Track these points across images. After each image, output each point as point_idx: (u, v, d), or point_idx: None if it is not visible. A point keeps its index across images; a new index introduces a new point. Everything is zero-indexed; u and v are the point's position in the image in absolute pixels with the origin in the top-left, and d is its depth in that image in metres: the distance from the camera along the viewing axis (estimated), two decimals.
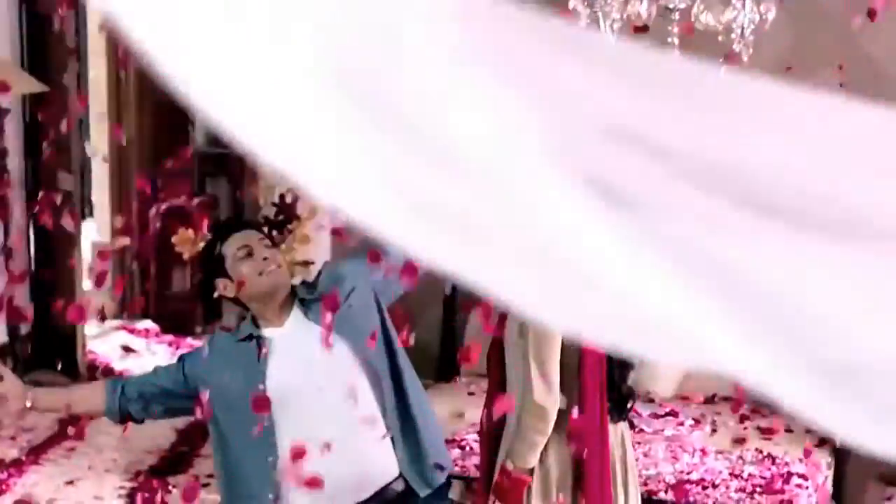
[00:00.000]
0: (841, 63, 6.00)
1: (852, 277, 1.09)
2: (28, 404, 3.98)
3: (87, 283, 8.93)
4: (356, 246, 3.81)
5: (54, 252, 7.99)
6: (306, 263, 7.12)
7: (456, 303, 6.99)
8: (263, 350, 3.93)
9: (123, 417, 4.08)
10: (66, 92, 7.91)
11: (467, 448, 5.40)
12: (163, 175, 9.46)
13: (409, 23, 1.02)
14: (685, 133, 1.09)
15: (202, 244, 6.87)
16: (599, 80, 1.07)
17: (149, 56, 1.05)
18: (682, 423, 5.64)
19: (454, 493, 4.95)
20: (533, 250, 1.07)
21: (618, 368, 3.64)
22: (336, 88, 1.03)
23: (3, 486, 6.16)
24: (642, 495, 3.92)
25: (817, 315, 1.09)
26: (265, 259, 3.91)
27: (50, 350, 7.97)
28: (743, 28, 4.02)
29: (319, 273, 4.18)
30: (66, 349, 8.09)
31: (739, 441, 5.41)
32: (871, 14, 3.91)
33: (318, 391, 3.89)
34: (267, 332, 3.98)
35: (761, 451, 5.30)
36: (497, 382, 3.69)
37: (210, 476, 6.41)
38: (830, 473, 5.19)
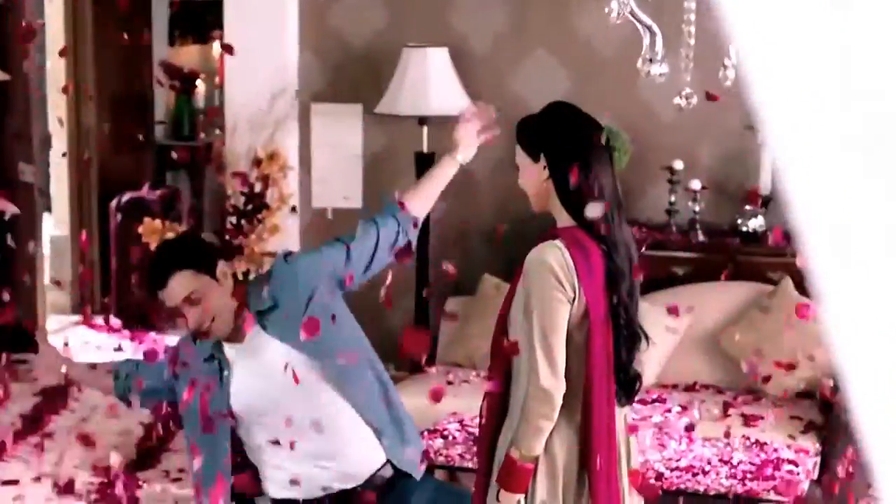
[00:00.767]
0: None
1: None
2: (63, 370, 4.32)
3: (46, 278, 8.77)
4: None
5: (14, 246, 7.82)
6: (274, 255, 6.98)
7: (426, 278, 6.89)
8: (225, 372, 3.93)
9: (128, 403, 4.15)
10: (26, 81, 7.76)
11: (449, 437, 5.30)
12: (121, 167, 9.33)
13: None
14: None
15: (169, 234, 6.78)
16: None
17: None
18: (669, 410, 5.58)
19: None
20: None
21: (625, 349, 3.55)
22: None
23: None
24: None
25: None
26: (193, 324, 3.91)
27: (7, 346, 7.78)
28: None
29: (270, 270, 4.11)
30: (24, 345, 7.90)
31: (726, 429, 5.35)
32: None
33: (285, 405, 3.96)
34: (227, 349, 3.94)
35: (748, 438, 5.24)
36: (501, 368, 3.59)
37: (181, 471, 6.29)
38: (818, 460, 5.12)
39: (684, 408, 5.61)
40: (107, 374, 4.34)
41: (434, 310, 6.89)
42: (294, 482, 4.00)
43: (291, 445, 3.90)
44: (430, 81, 6.67)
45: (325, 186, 7.16)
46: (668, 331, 5.90)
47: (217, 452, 4.02)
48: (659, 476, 4.73)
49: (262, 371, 3.96)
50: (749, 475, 4.85)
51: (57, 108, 9.05)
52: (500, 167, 7.04)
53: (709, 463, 4.98)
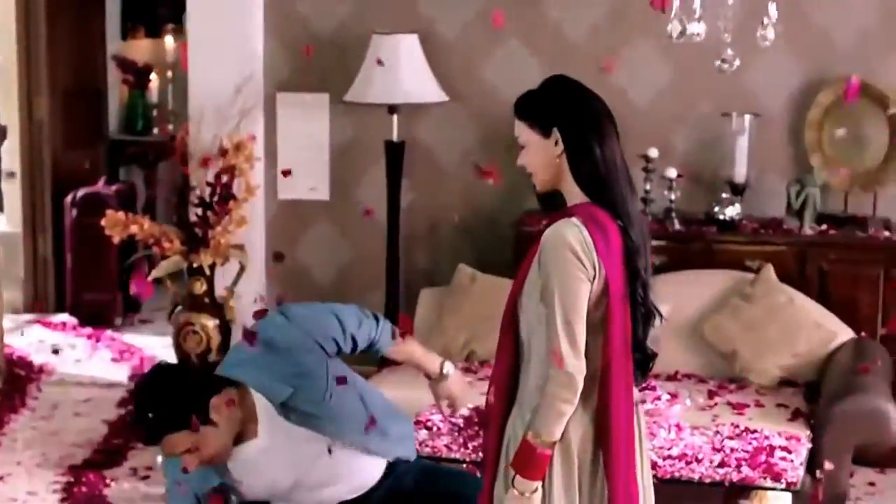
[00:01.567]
0: None
1: None
2: None
3: None
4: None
5: None
6: (241, 248, 6.83)
7: (398, 286, 6.76)
8: (233, 498, 3.95)
9: None
10: None
11: (434, 428, 5.18)
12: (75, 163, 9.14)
13: None
14: None
15: (134, 226, 6.60)
16: None
17: None
18: (658, 398, 5.48)
19: None
20: None
21: (641, 326, 3.44)
22: None
23: None
24: None
25: None
26: (197, 463, 3.77)
27: None
28: None
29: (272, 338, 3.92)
30: None
31: (714, 418, 5.27)
32: None
33: (304, 475, 3.93)
34: (243, 449, 3.84)
35: (737, 426, 5.16)
36: (511, 350, 3.47)
37: (149, 468, 6.13)
38: (810, 446, 5.04)
39: (673, 395, 5.52)
40: None
41: (406, 302, 6.77)
42: None
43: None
44: (401, 68, 6.54)
45: (291, 178, 7.00)
46: None
47: None
48: (653, 465, 4.61)
49: (284, 459, 3.90)
50: (743, 462, 4.76)
51: (8, 103, 8.83)
52: (468, 159, 6.93)
53: (700, 451, 4.89)
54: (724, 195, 6.45)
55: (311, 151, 7.09)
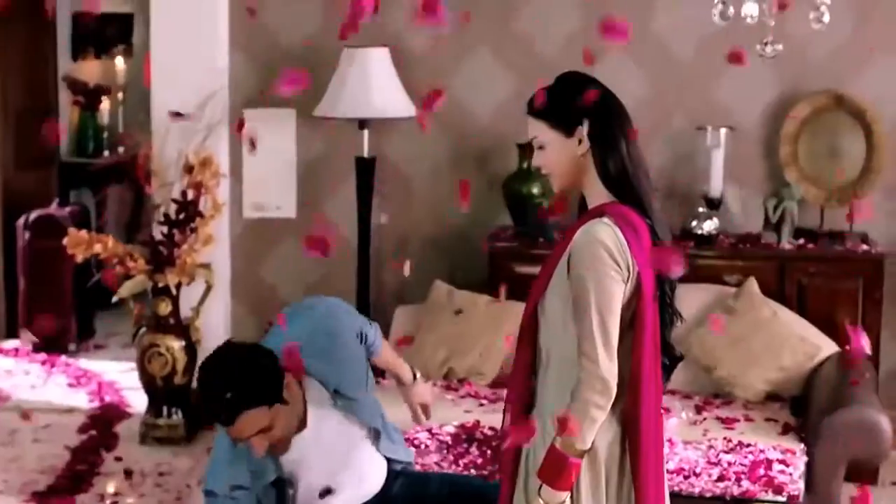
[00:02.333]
0: None
1: None
2: None
3: None
4: None
5: None
6: (207, 266, 6.67)
7: (369, 305, 6.62)
8: (290, 491, 3.81)
9: None
10: None
11: (421, 446, 5.05)
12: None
13: None
14: None
15: (97, 245, 6.42)
16: None
17: None
18: None
19: None
20: None
21: (668, 329, 3.34)
22: None
23: None
24: None
25: None
26: (263, 453, 3.67)
27: None
28: None
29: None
30: None
31: (704, 432, 5.18)
32: None
33: (343, 462, 3.86)
34: (295, 440, 3.77)
35: (730, 440, 5.07)
36: (529, 355, 3.35)
37: (117, 494, 5.94)
38: (806, 459, 4.96)
39: (666, 410, 5.42)
40: None
41: (377, 321, 6.61)
42: None
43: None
44: (372, 82, 6.42)
45: (256, 195, 6.86)
46: None
47: None
48: None
49: (330, 453, 3.82)
50: (743, 476, 4.67)
51: None
52: (438, 174, 6.83)
53: (696, 465, 4.80)
54: (700, 209, 6.39)
55: (278, 168, 6.94)
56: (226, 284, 6.93)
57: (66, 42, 10.05)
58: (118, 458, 6.48)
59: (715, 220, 6.33)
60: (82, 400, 7.45)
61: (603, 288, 3.14)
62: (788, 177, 6.40)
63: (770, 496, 4.58)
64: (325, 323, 3.83)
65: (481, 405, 5.62)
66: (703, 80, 6.56)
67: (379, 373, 4.26)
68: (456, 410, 5.50)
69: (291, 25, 6.90)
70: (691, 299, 6.02)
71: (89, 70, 10.28)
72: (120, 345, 8.51)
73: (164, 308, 6.64)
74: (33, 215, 8.44)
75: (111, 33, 10.36)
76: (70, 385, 7.77)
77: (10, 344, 8.54)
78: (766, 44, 3.88)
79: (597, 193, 3.28)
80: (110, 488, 6.06)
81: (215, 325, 6.89)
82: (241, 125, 6.27)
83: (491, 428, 5.22)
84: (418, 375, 4.15)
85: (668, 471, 4.72)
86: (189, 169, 6.57)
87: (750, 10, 3.66)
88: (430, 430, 5.17)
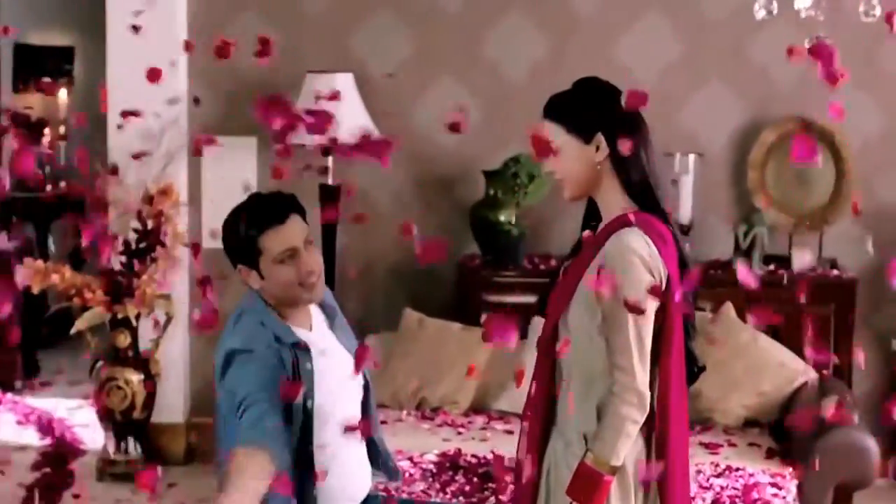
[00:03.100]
0: None
1: None
2: None
3: None
4: None
5: None
6: (167, 297, 6.51)
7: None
8: (308, 365, 3.59)
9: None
10: None
11: (406, 474, 4.91)
12: None
13: None
14: None
15: (54, 276, 6.25)
16: None
17: None
18: None
19: None
20: None
21: (690, 338, 3.26)
22: None
23: None
24: None
25: None
26: (309, 271, 3.61)
27: None
28: None
29: None
30: None
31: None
32: None
33: (342, 409, 3.66)
34: (299, 334, 3.64)
35: (717, 465, 5.00)
36: (549, 369, 3.25)
37: None
38: (797, 482, 4.90)
39: None
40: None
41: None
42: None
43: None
44: (338, 108, 6.29)
45: (217, 224, 6.69)
46: None
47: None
48: None
49: (333, 372, 3.65)
50: (738, 500, 4.60)
51: None
52: (402, 201, 6.73)
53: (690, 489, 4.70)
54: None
55: (238, 198, 6.76)
56: (184, 316, 6.76)
57: (8, 74, 9.85)
58: (76, 496, 6.27)
59: (687, 245, 6.26)
60: (32, 437, 7.22)
61: (642, 297, 3.05)
62: (757, 203, 6.37)
63: None
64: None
65: (459, 433, 5.51)
66: (669, 107, 6.52)
67: None
68: (434, 439, 5.38)
69: (250, 52, 6.75)
70: None
71: (31, 103, 10.08)
72: (66, 382, 8.29)
73: (123, 340, 6.47)
74: None
75: (52, 66, 10.19)
76: (19, 423, 7.54)
77: None
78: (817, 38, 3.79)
79: (614, 202, 3.21)
80: None
81: (174, 358, 6.72)
82: (198, 146, 6.13)
83: (473, 455, 5.12)
84: None
85: None
86: (149, 198, 6.42)
87: (802, 2, 3.59)
88: (411, 459, 5.05)
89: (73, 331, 6.45)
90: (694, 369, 3.30)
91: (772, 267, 6.24)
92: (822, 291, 6.12)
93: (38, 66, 10.12)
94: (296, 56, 6.69)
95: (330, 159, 6.42)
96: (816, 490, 4.96)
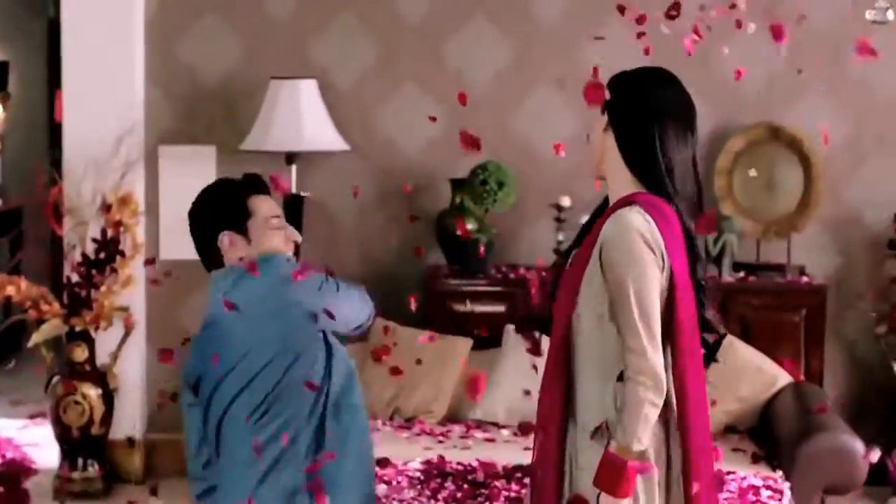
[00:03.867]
0: None
1: None
2: None
3: None
4: None
5: None
6: (126, 309, 6.34)
7: None
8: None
9: None
10: None
11: (393, 483, 4.81)
12: None
13: None
14: None
15: (10, 287, 6.06)
16: None
17: None
18: None
19: None
20: None
21: (705, 309, 3.19)
22: None
23: None
24: None
25: None
26: (296, 240, 3.65)
27: None
28: None
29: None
30: None
31: None
32: None
33: None
34: None
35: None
36: (561, 365, 3.16)
37: None
38: (789, 485, 4.85)
39: None
40: None
41: None
42: None
43: None
44: (303, 115, 6.19)
45: (175, 236, 6.56)
46: None
47: None
48: None
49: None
50: (735, 502, 4.53)
51: None
52: (366, 211, 6.62)
53: None
54: None
55: None
56: (141, 329, 6.58)
57: None
58: None
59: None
60: None
61: (641, 276, 3.02)
62: (725, 210, 6.34)
63: None
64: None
65: (440, 442, 5.43)
66: None
67: None
68: (415, 448, 5.28)
69: (210, 60, 6.64)
70: None
71: None
72: (8, 402, 8.07)
73: (80, 354, 6.29)
74: None
75: None
76: None
77: None
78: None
79: (622, 185, 3.20)
80: None
81: (131, 372, 6.54)
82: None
83: (459, 463, 5.03)
84: None
85: None
86: (107, 207, 6.25)
87: None
88: (395, 467, 4.94)
89: (30, 343, 6.25)
90: (710, 342, 3.22)
91: (741, 274, 6.21)
92: (793, 298, 6.11)
93: None
94: (256, 63, 6.57)
95: (293, 168, 6.29)
96: (805, 493, 4.92)
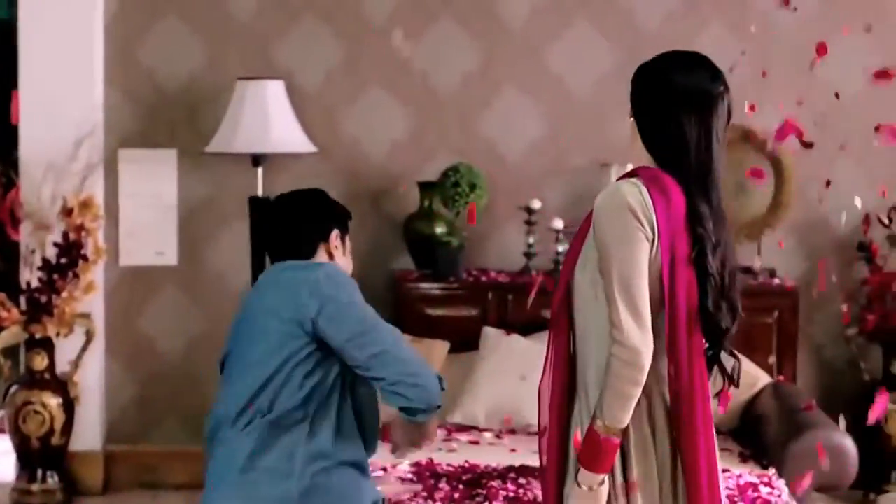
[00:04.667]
0: None
1: None
2: None
3: None
4: None
5: None
6: (87, 316, 6.17)
7: None
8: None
9: None
10: None
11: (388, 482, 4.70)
12: None
13: None
14: None
15: None
16: None
17: None
18: None
19: None
20: None
21: (710, 295, 3.07)
22: None
23: None
24: None
25: None
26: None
27: None
28: None
29: None
30: None
31: None
32: None
33: None
34: None
35: None
36: (565, 339, 3.09)
37: None
38: (784, 482, 4.82)
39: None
40: None
41: None
42: None
43: None
44: (270, 116, 6.08)
45: (134, 241, 6.42)
46: None
47: None
48: None
49: None
50: (736, 498, 4.50)
51: None
52: None
53: None
54: None
55: (158, 212, 6.49)
56: (100, 337, 6.41)
57: None
58: None
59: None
60: None
61: (625, 247, 2.93)
62: None
63: None
64: None
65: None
66: (603, 117, 6.44)
67: None
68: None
69: (171, 62, 6.50)
70: None
71: None
72: None
73: (40, 362, 6.12)
74: None
75: None
76: None
77: None
78: None
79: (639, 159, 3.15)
80: None
81: (90, 380, 6.37)
82: None
83: (448, 464, 4.94)
84: None
85: None
86: (68, 211, 6.09)
87: None
88: (384, 469, 4.84)
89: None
90: (718, 336, 3.12)
91: None
92: (765, 300, 6.10)
93: None
94: (218, 65, 6.45)
95: (260, 170, 6.17)
96: (797, 493, 4.88)
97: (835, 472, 4.97)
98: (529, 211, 6.26)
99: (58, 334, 6.08)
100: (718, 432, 5.34)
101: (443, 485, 4.71)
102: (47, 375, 6.14)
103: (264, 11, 6.46)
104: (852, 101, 6.40)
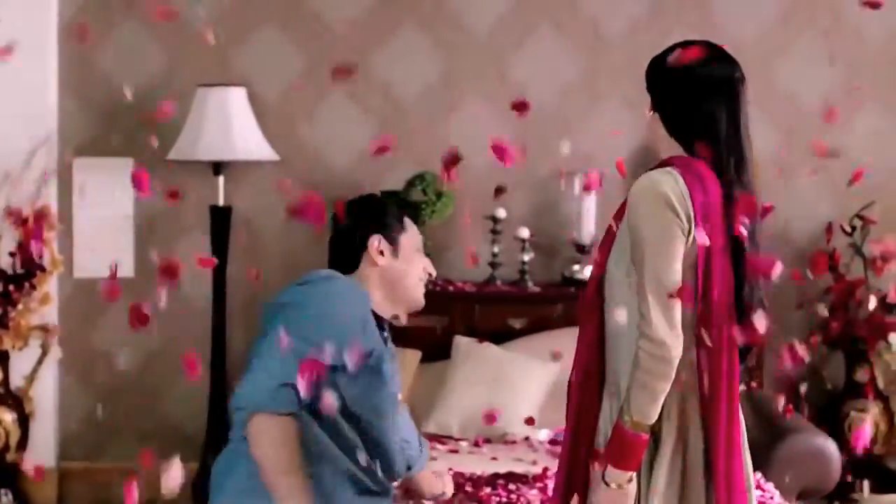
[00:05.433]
0: None
1: None
2: None
3: None
4: None
5: None
6: (44, 328, 6.00)
7: (224, 372, 6.12)
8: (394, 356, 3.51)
9: None
10: None
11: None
12: None
13: None
14: None
15: None
16: None
17: None
18: None
19: None
20: None
21: (748, 285, 3.03)
22: None
23: None
24: None
25: None
26: (430, 273, 3.60)
27: None
28: None
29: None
30: None
31: None
32: None
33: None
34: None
35: None
36: (595, 332, 3.03)
37: None
38: (772, 484, 4.79)
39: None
40: None
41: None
42: None
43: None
44: (232, 123, 5.97)
45: (89, 253, 6.26)
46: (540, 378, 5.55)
47: None
48: None
49: (394, 379, 3.49)
50: None
51: None
52: (291, 225, 6.40)
53: None
54: (576, 255, 6.22)
55: (113, 223, 6.34)
56: (54, 350, 6.23)
57: None
58: None
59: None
60: None
61: (660, 240, 2.90)
62: None
63: None
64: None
65: None
66: (568, 125, 6.41)
67: None
68: None
69: (128, 69, 6.36)
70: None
71: None
72: None
73: None
74: None
75: None
76: None
77: None
78: None
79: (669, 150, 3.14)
80: None
81: (44, 395, 6.20)
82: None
83: (434, 472, 4.85)
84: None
85: None
86: (23, 221, 5.93)
87: None
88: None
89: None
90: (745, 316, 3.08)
91: None
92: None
93: None
94: (177, 72, 6.33)
95: (221, 179, 6.05)
96: (782, 496, 4.85)
97: (821, 475, 4.95)
98: (494, 220, 6.20)
99: (13, 347, 5.90)
100: None
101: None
102: (2, 390, 5.97)
103: (223, 19, 6.34)
104: (815, 110, 6.45)
